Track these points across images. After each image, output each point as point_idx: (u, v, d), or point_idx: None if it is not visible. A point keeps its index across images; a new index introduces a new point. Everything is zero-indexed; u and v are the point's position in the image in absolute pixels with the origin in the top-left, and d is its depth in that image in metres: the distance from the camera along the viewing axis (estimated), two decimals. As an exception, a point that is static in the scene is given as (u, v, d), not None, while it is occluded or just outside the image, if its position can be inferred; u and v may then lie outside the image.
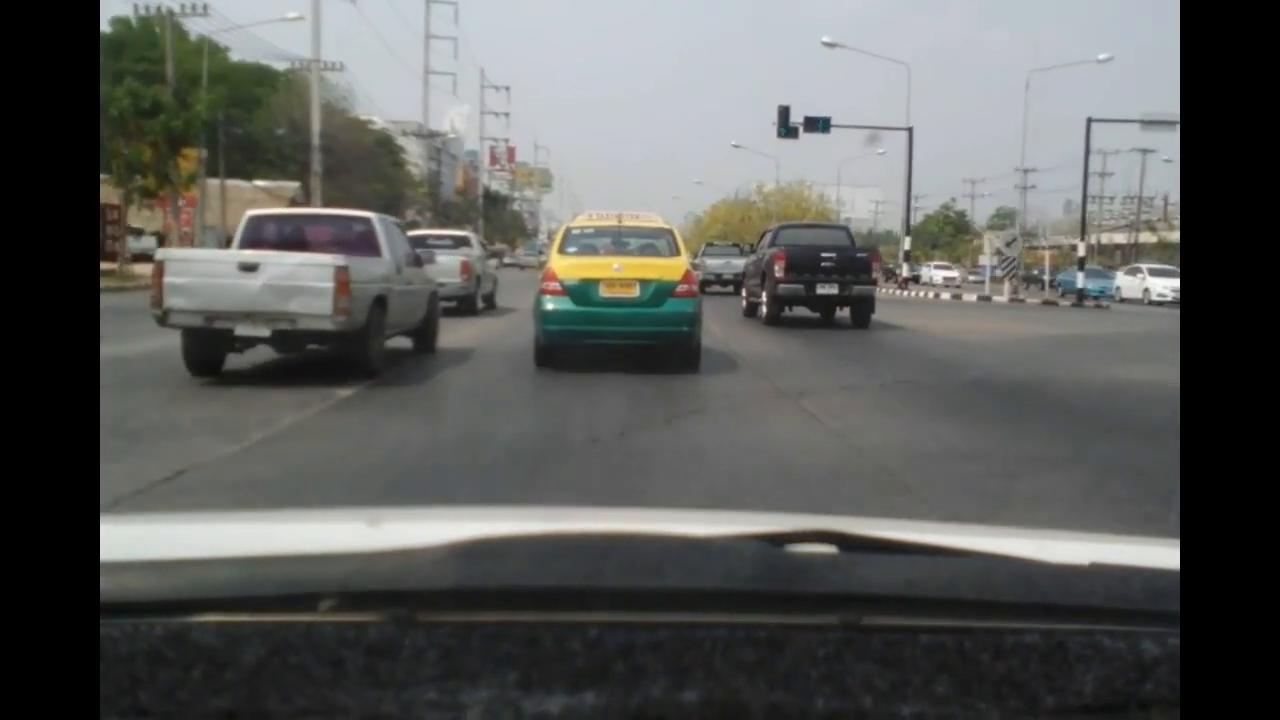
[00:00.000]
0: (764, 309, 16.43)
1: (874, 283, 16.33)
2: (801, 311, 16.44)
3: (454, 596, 0.66)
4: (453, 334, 12.47)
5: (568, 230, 10.48)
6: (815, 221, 26.98)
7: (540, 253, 67.49)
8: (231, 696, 0.61)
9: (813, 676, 0.63)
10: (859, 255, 16.37)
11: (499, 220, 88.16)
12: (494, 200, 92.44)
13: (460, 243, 19.04)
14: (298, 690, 0.62)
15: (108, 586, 0.66)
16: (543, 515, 1.17)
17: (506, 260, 62.69)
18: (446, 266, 15.77)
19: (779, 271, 15.85)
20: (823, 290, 15.86)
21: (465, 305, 17.04)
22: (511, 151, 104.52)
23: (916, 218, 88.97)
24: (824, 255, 15.96)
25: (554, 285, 9.24)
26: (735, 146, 65.27)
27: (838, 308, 16.32)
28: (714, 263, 28.46)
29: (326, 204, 27.34)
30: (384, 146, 51.84)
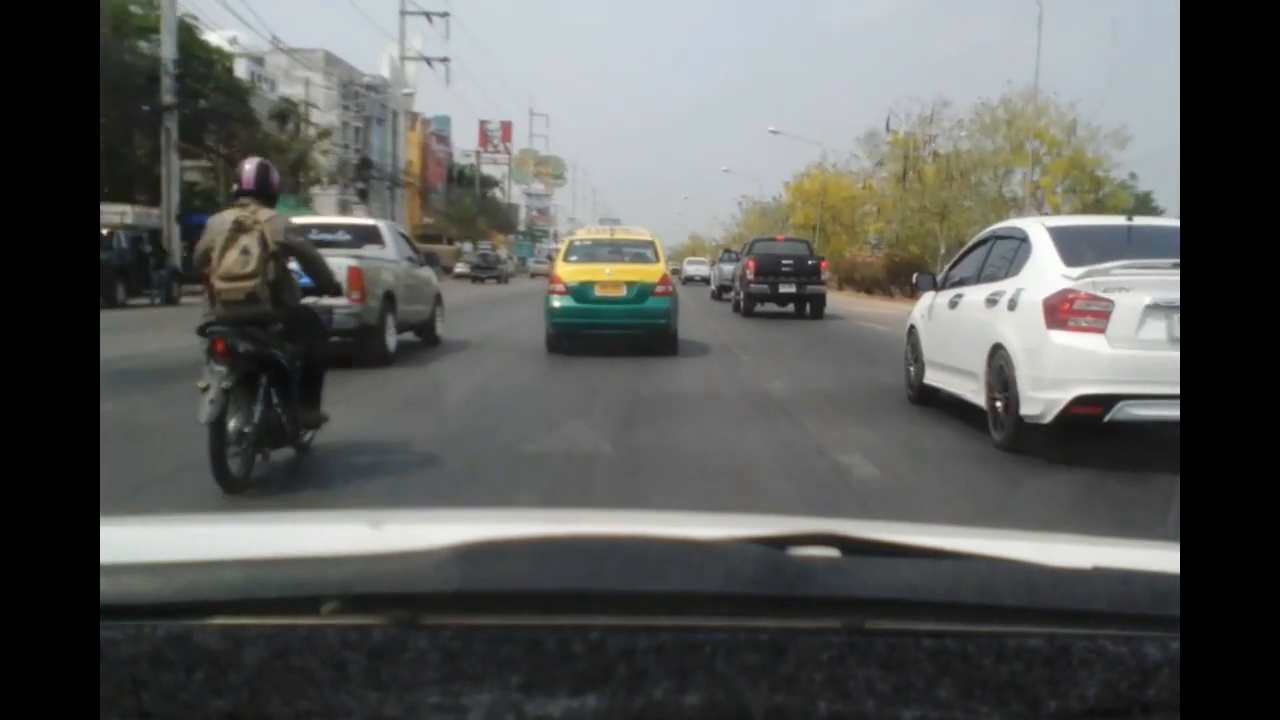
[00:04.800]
0: (741, 304, 21.54)
1: (823, 283, 21.51)
2: (771, 307, 21.50)
3: (456, 599, 0.66)
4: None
5: (570, 243, 13.20)
6: (784, 237, 28.83)
7: (548, 257, 63.35)
8: (234, 699, 0.61)
9: (815, 680, 0.63)
10: (811, 262, 21.38)
11: (461, 209, 64.40)
12: (464, 180, 70.50)
13: (365, 237, 11.41)
14: (300, 693, 0.62)
15: (109, 589, 0.66)
16: (545, 517, 1.17)
17: (456, 269, 45.09)
18: None
19: (750, 275, 20.99)
20: (783, 289, 20.82)
21: (366, 345, 9.82)
22: (507, 129, 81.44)
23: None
24: (784, 262, 20.96)
25: (559, 287, 11.69)
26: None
27: (804, 303, 21.01)
28: (728, 268, 28.95)
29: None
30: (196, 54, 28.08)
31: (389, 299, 10.47)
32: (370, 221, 12.79)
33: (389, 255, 11.25)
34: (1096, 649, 0.66)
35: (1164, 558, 0.84)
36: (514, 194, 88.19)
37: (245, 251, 4.67)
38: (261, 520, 1.18)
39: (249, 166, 5.10)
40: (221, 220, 4.84)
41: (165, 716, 0.61)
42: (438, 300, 12.79)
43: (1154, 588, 0.72)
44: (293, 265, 5.03)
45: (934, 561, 0.74)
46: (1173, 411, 5.20)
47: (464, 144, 77.91)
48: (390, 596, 0.66)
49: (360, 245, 11.06)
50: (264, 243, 4.70)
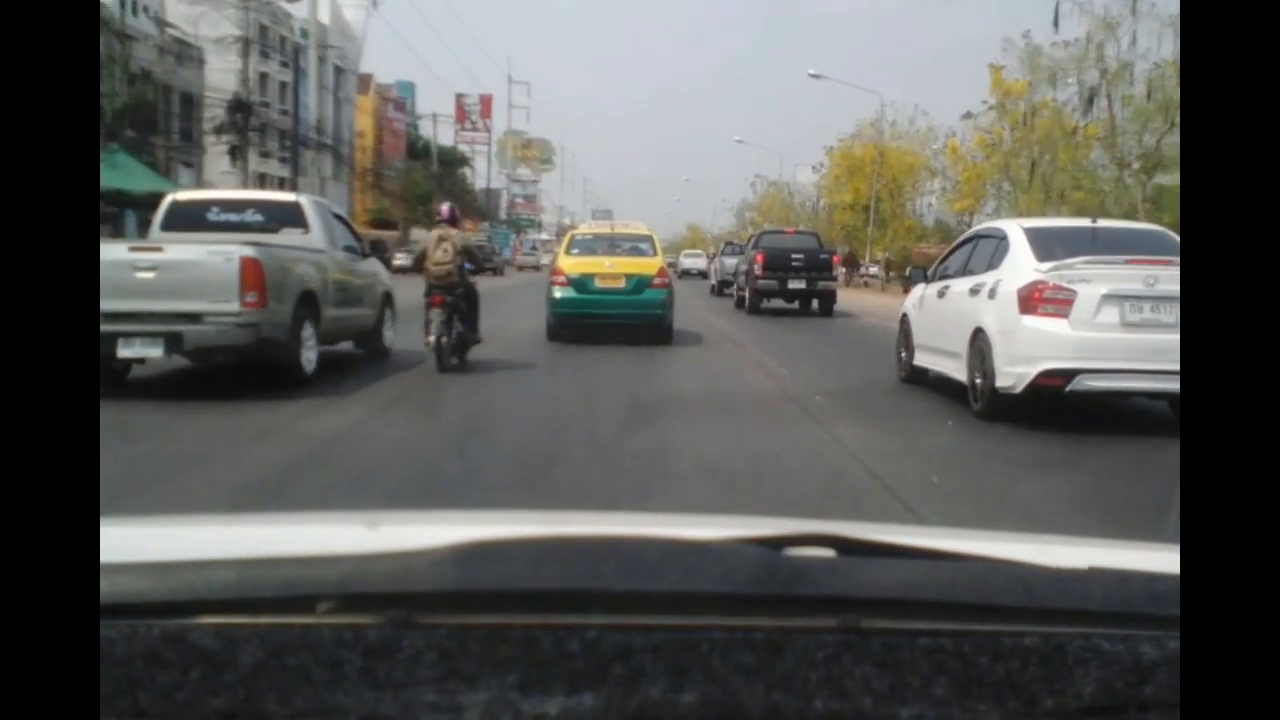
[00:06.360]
0: (747, 300, 20.15)
1: (834, 279, 20.49)
2: (779, 303, 20.14)
3: (452, 598, 0.66)
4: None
5: (572, 236, 13.81)
6: (793, 229, 26.55)
7: (534, 248, 57.37)
8: (230, 698, 0.62)
9: (811, 679, 0.63)
10: (823, 257, 20.27)
11: (411, 185, 51.40)
12: (423, 156, 57.35)
13: (282, 218, 8.70)
14: (296, 692, 0.62)
15: (107, 588, 0.66)
16: (541, 518, 1.17)
17: (396, 260, 29.37)
18: (200, 276, 7.04)
19: (758, 270, 19.58)
20: (793, 285, 19.65)
21: (270, 361, 7.46)
22: (487, 103, 69.76)
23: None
24: (794, 256, 19.71)
25: (561, 278, 12.37)
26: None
27: (813, 299, 19.94)
28: (730, 261, 27.81)
29: None
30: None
31: (308, 301, 7.83)
32: (290, 197, 9.85)
33: (314, 242, 8.51)
34: (1092, 647, 0.65)
35: (1162, 558, 0.83)
36: (495, 178, 75.77)
37: (445, 251, 8.96)
38: (257, 520, 1.18)
39: (445, 208, 9.71)
40: (431, 235, 9.25)
41: (161, 715, 0.61)
42: (387, 301, 9.95)
43: (1151, 587, 0.71)
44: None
45: (930, 562, 0.74)
46: (1123, 384, 6.48)
47: (438, 121, 62.35)
48: (386, 596, 0.66)
49: (275, 228, 8.47)
50: (455, 247, 9.00)
